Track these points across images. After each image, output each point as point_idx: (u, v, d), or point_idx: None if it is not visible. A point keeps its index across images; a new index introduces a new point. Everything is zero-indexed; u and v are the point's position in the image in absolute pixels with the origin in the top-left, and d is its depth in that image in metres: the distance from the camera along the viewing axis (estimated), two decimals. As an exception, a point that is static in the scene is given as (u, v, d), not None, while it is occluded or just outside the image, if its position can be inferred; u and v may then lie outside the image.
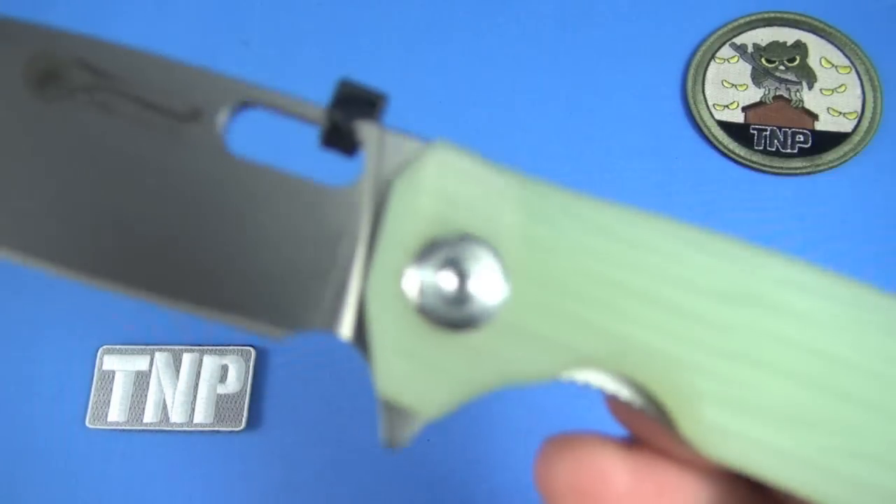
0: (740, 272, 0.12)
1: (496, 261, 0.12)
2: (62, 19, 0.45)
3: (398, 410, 0.12)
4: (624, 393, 0.13)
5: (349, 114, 0.13)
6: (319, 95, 0.39)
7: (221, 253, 0.12)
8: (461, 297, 0.12)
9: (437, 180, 0.13)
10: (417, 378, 0.12)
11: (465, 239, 0.12)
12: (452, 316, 0.12)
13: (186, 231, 0.12)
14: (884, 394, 0.12)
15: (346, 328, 0.13)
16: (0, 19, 0.12)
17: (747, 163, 0.41)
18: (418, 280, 0.12)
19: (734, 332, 0.12)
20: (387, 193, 0.12)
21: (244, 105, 0.13)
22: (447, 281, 0.12)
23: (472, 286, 0.12)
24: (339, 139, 0.13)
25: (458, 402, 0.12)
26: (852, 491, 0.11)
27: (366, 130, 0.13)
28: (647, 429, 0.14)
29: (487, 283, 0.12)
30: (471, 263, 0.12)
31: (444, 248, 0.12)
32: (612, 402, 0.14)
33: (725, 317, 0.12)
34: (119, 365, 0.36)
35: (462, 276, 0.12)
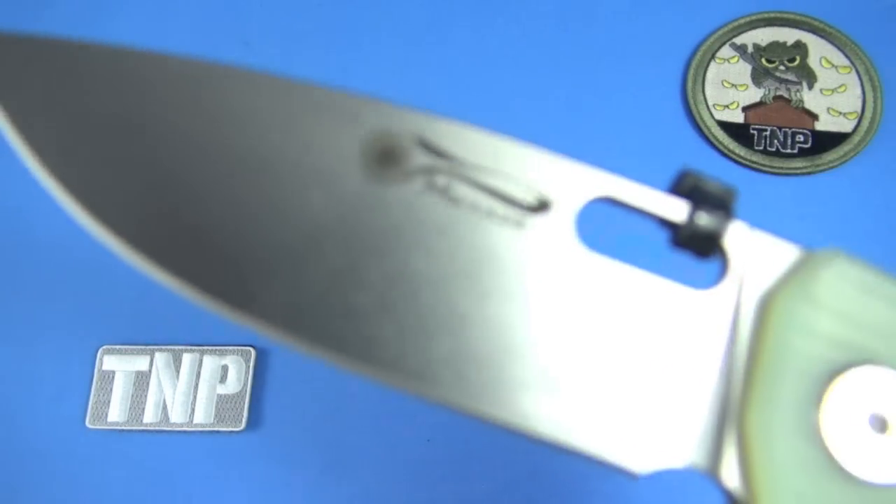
0: None
1: None
2: (62, 19, 0.45)
3: None
4: None
5: (715, 216, 0.11)
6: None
7: (574, 370, 0.11)
8: (878, 441, 0.09)
9: (837, 296, 0.11)
10: None
11: (875, 366, 0.10)
12: (869, 466, 0.09)
13: (536, 332, 0.11)
14: None
15: (726, 471, 0.10)
16: (339, 94, 0.12)
17: (747, 163, 0.41)
18: (820, 418, 0.10)
19: None
20: (767, 305, 0.11)
21: (599, 199, 0.11)
22: (857, 420, 0.09)
23: (893, 428, 0.10)
24: (696, 242, 0.11)
25: None
26: None
27: (731, 232, 0.12)
28: None
29: None
30: (887, 400, 0.10)
31: (850, 378, 0.10)
32: None
33: None
34: (119, 365, 0.36)
35: (878, 418, 0.10)
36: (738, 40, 0.44)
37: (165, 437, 0.36)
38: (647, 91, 0.43)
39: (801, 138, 0.41)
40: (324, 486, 0.35)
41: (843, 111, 0.42)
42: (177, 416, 0.35)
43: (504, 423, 0.11)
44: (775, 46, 0.44)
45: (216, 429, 0.35)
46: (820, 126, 0.41)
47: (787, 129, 0.41)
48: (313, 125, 0.12)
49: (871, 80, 0.42)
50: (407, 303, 0.10)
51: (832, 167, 0.40)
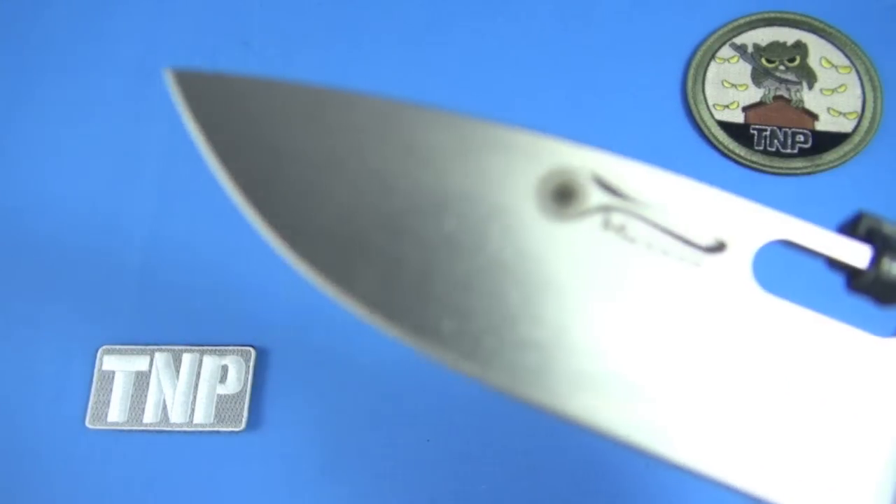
0: None
1: None
2: (62, 19, 0.45)
3: None
4: None
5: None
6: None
7: (761, 404, 0.10)
8: None
9: None
10: None
11: None
12: None
13: (711, 372, 0.10)
14: None
15: None
16: (517, 130, 0.12)
17: (747, 163, 0.41)
18: None
19: None
20: None
21: (776, 241, 0.11)
22: None
23: None
24: (881, 287, 0.11)
25: None
26: None
27: None
28: None
29: None
30: None
31: None
32: None
33: None
34: (119, 365, 0.36)
35: None
36: (738, 40, 0.44)
37: (165, 437, 0.36)
38: (647, 91, 0.43)
39: (801, 138, 0.41)
40: (324, 486, 0.35)
41: (843, 111, 0.42)
42: (177, 417, 0.35)
43: (687, 469, 0.11)
44: (775, 46, 0.44)
45: (216, 429, 0.35)
46: (820, 126, 0.41)
47: (787, 129, 0.41)
48: (492, 162, 0.12)
49: (871, 80, 0.42)
50: (582, 340, 0.10)
51: (832, 167, 0.40)
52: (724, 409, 0.10)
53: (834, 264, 0.11)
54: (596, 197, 0.11)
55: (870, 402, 0.10)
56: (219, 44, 0.45)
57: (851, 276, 0.11)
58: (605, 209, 0.11)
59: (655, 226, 0.11)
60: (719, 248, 0.11)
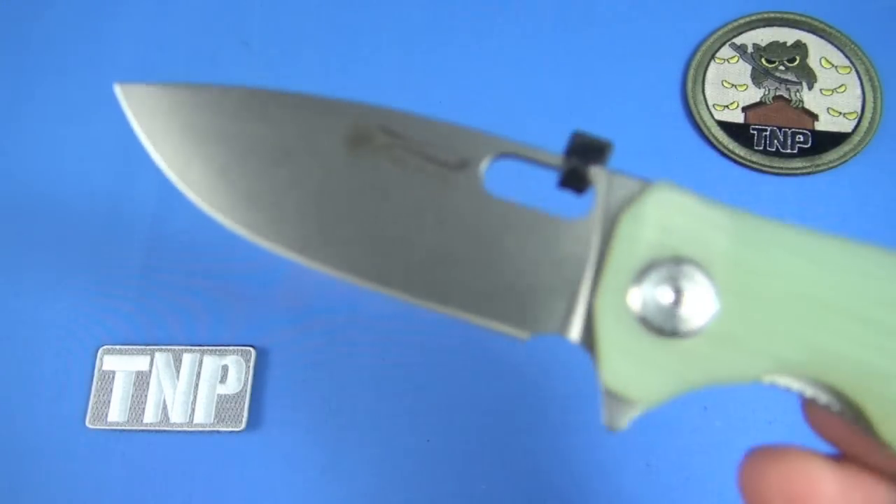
0: None
1: (708, 281, 0.14)
2: (62, 19, 0.45)
3: (620, 400, 0.15)
4: (822, 398, 0.14)
5: (583, 160, 0.16)
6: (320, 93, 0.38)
7: (481, 271, 0.16)
8: (677, 310, 0.14)
9: (658, 214, 0.15)
10: (638, 375, 0.15)
11: (681, 262, 0.15)
12: (669, 325, 0.14)
13: (455, 253, 0.16)
14: None
15: (574, 333, 0.16)
16: (324, 100, 0.17)
17: (747, 163, 0.41)
18: (641, 295, 0.15)
19: None
20: (614, 224, 0.15)
21: (501, 155, 0.16)
22: (665, 296, 0.14)
23: (687, 301, 0.14)
24: (574, 181, 0.16)
25: (670, 396, 0.15)
26: None
27: (596, 173, 0.16)
28: (840, 436, 0.15)
29: (700, 300, 0.14)
30: (685, 282, 0.15)
31: (663, 269, 0.15)
32: (810, 408, 0.16)
33: None
34: (119, 365, 0.36)
35: (678, 293, 0.14)
36: (738, 40, 0.44)
37: (165, 437, 0.36)
38: (647, 91, 0.43)
39: (801, 138, 0.41)
40: (324, 486, 0.35)
41: (842, 111, 0.42)
42: (177, 416, 0.35)
43: (436, 310, 0.16)
44: (775, 46, 0.44)
45: (216, 429, 0.35)
46: (820, 126, 0.41)
47: (787, 129, 0.41)
48: (314, 120, 0.17)
49: (871, 80, 0.42)
50: (377, 231, 0.16)
51: (832, 167, 0.40)
52: (443, 266, 0.16)
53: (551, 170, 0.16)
54: (381, 139, 0.16)
55: (565, 262, 0.15)
56: (219, 44, 0.45)
57: (560, 178, 0.16)
58: (388, 146, 0.16)
59: (420, 155, 0.16)
60: (461, 166, 0.16)
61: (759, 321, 0.14)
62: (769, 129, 0.41)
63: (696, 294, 0.14)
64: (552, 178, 0.16)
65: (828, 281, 0.14)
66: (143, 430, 0.35)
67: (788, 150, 0.41)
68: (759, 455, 0.16)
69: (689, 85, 0.43)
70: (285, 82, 0.43)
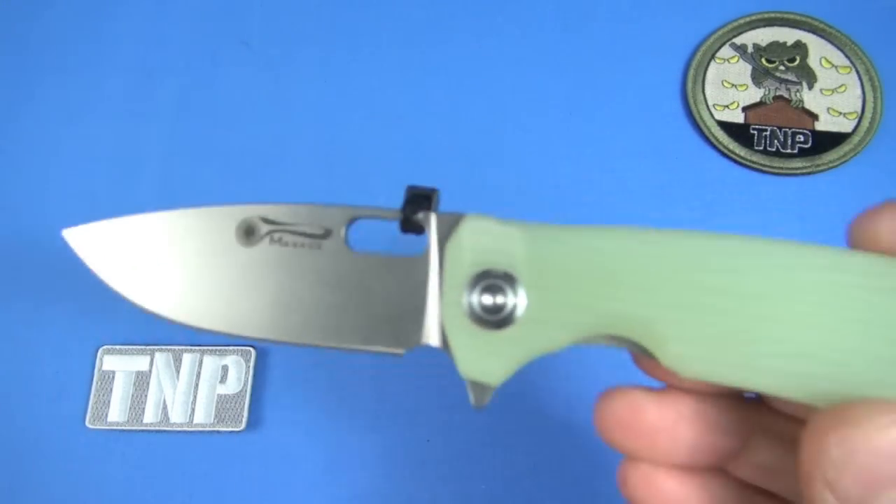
0: (682, 256, 0.19)
1: (517, 281, 0.19)
2: (62, 19, 0.45)
3: (476, 385, 0.20)
4: (619, 346, 0.19)
5: (415, 209, 0.20)
6: (320, 96, 0.39)
7: (357, 311, 0.20)
8: (497, 308, 0.19)
9: (471, 239, 0.19)
10: (482, 362, 0.19)
11: (493, 272, 0.19)
12: (494, 321, 0.19)
13: (335, 302, 0.20)
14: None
15: (435, 341, 0.20)
16: (213, 208, 0.21)
17: (747, 163, 0.41)
18: (471, 303, 0.19)
19: (684, 290, 0.18)
20: (444, 253, 0.20)
21: (354, 219, 0.21)
22: (487, 300, 0.19)
23: (503, 300, 0.19)
24: (410, 227, 0.20)
25: (509, 373, 0.19)
26: (774, 378, 0.18)
27: (424, 217, 0.20)
28: (657, 372, 0.20)
29: (512, 297, 0.19)
30: (500, 286, 0.19)
31: (483, 280, 0.19)
32: (634, 355, 0.20)
33: (677, 284, 0.18)
34: (119, 365, 0.36)
35: (496, 295, 0.19)
36: (738, 40, 0.44)
37: (165, 437, 0.36)
38: (647, 91, 0.43)
39: (801, 138, 0.41)
40: (323, 487, 0.35)
41: (843, 111, 0.42)
42: (177, 416, 0.35)
43: (330, 347, 0.20)
44: (775, 46, 0.44)
45: (216, 429, 0.35)
46: (820, 126, 0.41)
47: (787, 129, 0.41)
48: (209, 222, 0.21)
49: (871, 80, 0.42)
50: (275, 296, 0.21)
51: (832, 167, 0.40)
52: (327, 314, 0.20)
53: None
54: (265, 228, 0.21)
55: (416, 287, 0.20)
56: (219, 44, 0.45)
57: (400, 226, 0.20)
58: (269, 232, 0.21)
59: (294, 233, 0.20)
60: (327, 234, 0.20)
61: (558, 303, 0.19)
62: (769, 129, 0.41)
63: (509, 294, 0.19)
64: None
65: (600, 264, 0.19)
66: (143, 430, 0.35)
67: (788, 150, 0.41)
68: (602, 397, 0.21)
69: (689, 85, 0.43)
70: (285, 82, 0.43)
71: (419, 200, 0.20)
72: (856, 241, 0.18)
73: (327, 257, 0.20)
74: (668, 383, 0.21)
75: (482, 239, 0.19)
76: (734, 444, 0.20)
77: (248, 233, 0.21)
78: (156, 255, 0.21)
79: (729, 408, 0.20)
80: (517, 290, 0.19)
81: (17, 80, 0.44)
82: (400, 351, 0.20)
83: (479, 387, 0.19)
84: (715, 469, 0.21)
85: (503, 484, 0.35)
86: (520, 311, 0.19)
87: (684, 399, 0.20)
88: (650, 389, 0.20)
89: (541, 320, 0.19)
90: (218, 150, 0.42)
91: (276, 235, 0.21)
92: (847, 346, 0.17)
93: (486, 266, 0.19)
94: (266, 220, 0.21)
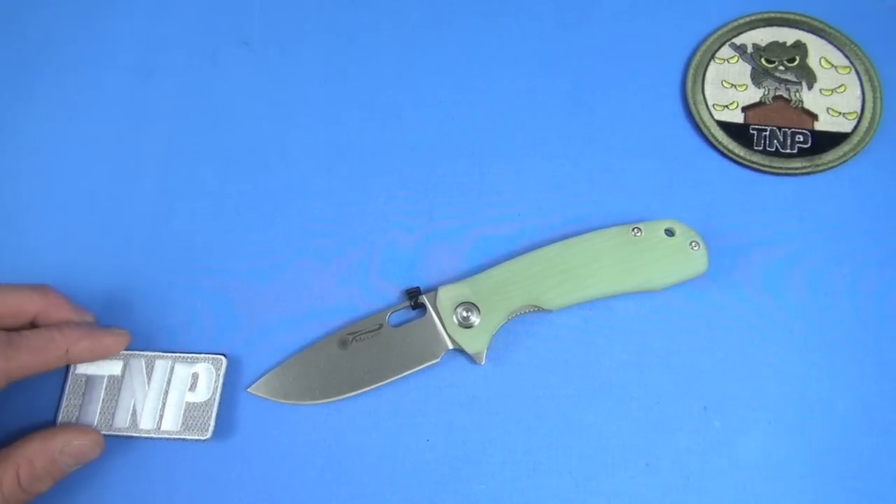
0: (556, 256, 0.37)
1: (475, 306, 0.36)
2: (61, 19, 0.45)
3: (476, 354, 0.36)
4: (526, 311, 0.37)
5: (415, 300, 0.37)
6: (320, 96, 0.39)
7: (408, 351, 0.36)
8: (469, 320, 0.36)
9: (446, 295, 0.37)
10: (472, 342, 0.36)
11: (461, 304, 0.36)
12: (468, 324, 0.36)
13: (397, 351, 0.36)
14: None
15: (449, 345, 0.36)
16: (326, 338, 0.37)
17: (747, 163, 0.41)
18: (457, 320, 0.36)
19: (544, 276, 0.37)
20: (436, 306, 0.37)
21: (390, 314, 0.37)
22: (461, 317, 0.36)
23: (471, 316, 0.36)
24: (417, 306, 0.37)
25: (488, 341, 0.36)
26: (584, 295, 0.37)
27: (422, 298, 0.37)
28: None
29: (475, 314, 0.36)
30: (467, 310, 0.36)
31: (458, 309, 0.36)
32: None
33: (554, 270, 0.37)
34: (92, 369, 0.36)
35: (466, 314, 0.36)
36: (738, 40, 0.44)
37: (134, 443, 0.35)
38: (647, 91, 0.43)
39: (801, 138, 0.41)
40: (323, 486, 0.35)
41: (842, 111, 0.42)
42: (146, 423, 0.35)
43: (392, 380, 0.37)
44: (775, 46, 0.44)
45: (182, 436, 0.35)
46: (819, 126, 0.41)
47: (786, 129, 0.41)
48: None
49: (870, 80, 0.42)
50: (345, 374, 0.37)
51: (832, 167, 0.40)
52: (385, 365, 0.37)
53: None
54: (351, 340, 0.37)
55: (432, 339, 0.37)
56: (219, 44, 0.45)
57: (411, 307, 0.37)
58: (353, 341, 0.37)
59: (366, 332, 0.37)
60: (381, 326, 0.37)
61: (492, 307, 0.36)
62: (769, 129, 0.41)
63: (473, 313, 0.36)
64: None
65: (504, 281, 0.37)
66: (112, 435, 0.35)
67: (788, 150, 0.41)
68: None
69: (689, 85, 0.43)
70: (285, 82, 0.43)
71: (415, 294, 0.37)
72: None
73: (385, 335, 0.36)
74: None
75: (450, 293, 0.36)
76: None
77: (343, 343, 0.36)
78: (301, 373, 0.36)
79: None
80: (473, 307, 0.36)
81: (17, 80, 0.44)
82: (436, 360, 0.36)
83: (479, 355, 0.36)
84: None
85: (503, 484, 0.35)
86: (479, 318, 0.36)
87: None
88: None
89: (486, 316, 0.36)
90: (218, 150, 0.42)
91: (358, 337, 0.36)
92: (607, 273, 0.37)
93: (457, 300, 0.36)
94: (352, 334, 0.36)
